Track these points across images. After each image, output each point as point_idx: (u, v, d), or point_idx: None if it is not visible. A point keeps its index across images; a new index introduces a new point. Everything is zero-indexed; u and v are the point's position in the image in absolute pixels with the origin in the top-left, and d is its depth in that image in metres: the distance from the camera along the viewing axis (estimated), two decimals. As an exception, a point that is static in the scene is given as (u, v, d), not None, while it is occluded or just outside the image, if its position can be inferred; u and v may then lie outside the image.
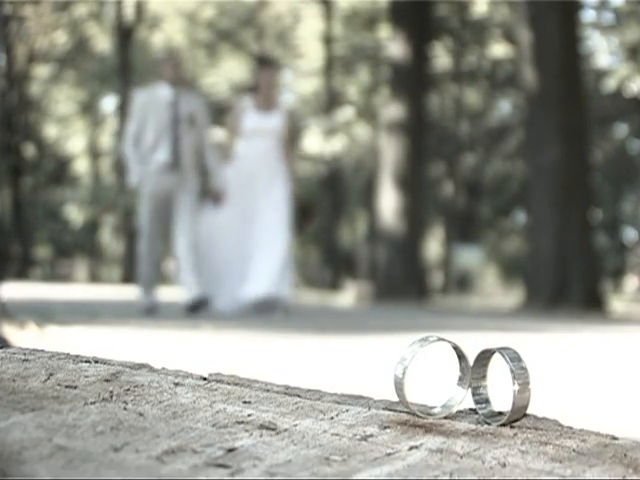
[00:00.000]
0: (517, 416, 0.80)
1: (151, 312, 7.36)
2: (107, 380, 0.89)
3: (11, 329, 3.82)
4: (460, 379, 0.84)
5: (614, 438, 0.77)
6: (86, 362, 0.96)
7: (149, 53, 34.10)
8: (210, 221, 8.11)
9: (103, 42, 33.47)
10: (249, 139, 7.99)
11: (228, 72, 32.30)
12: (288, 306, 7.72)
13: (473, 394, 0.84)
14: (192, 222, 7.77)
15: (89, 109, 35.44)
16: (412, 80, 15.44)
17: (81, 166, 36.62)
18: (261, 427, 0.77)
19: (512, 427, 0.79)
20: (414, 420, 0.81)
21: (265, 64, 8.40)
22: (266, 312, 7.50)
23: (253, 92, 8.12)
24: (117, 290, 16.85)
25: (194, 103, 7.84)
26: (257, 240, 7.92)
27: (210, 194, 8.14)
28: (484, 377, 0.84)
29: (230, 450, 0.70)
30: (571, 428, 0.80)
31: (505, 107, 33.15)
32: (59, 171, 35.67)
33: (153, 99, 7.66)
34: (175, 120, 7.56)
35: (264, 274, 7.70)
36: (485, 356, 0.83)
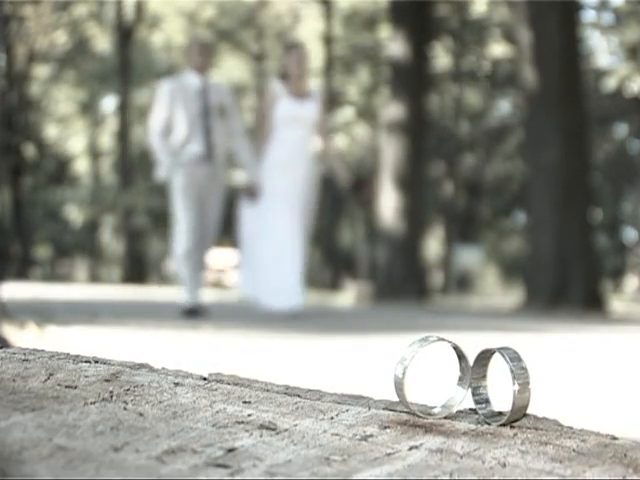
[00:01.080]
0: (517, 416, 0.80)
1: (194, 314, 6.84)
2: (107, 380, 0.89)
3: (11, 329, 3.82)
4: (460, 379, 0.84)
5: (614, 438, 0.77)
6: (86, 362, 0.96)
7: (149, 53, 34.13)
8: (250, 217, 7.63)
9: (103, 42, 33.48)
10: (283, 128, 7.47)
11: (228, 72, 32.28)
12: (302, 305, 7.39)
13: (473, 394, 0.84)
14: (216, 221, 7.34)
15: (89, 109, 35.45)
16: (412, 80, 15.44)
17: (81, 166, 36.64)
18: (261, 427, 0.77)
19: (512, 427, 0.79)
20: (414, 420, 0.81)
21: (292, 48, 7.86)
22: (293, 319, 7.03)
23: (284, 79, 7.58)
24: (117, 290, 16.85)
25: (222, 92, 7.43)
26: (289, 238, 7.46)
27: (245, 189, 7.68)
28: (484, 377, 0.84)
29: (230, 450, 0.70)
30: (571, 428, 0.80)
31: (505, 107, 33.16)
32: (59, 171, 35.68)
33: (182, 88, 7.16)
34: (206, 110, 7.11)
35: (295, 283, 7.29)
36: (485, 356, 0.83)
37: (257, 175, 7.46)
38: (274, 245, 7.42)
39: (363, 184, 9.92)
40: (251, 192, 7.52)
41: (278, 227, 7.46)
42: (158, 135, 7.16)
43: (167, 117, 7.11)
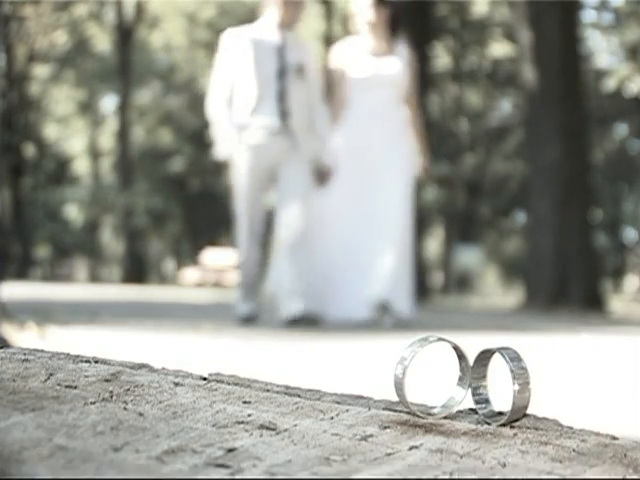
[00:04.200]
0: (517, 416, 0.80)
1: (250, 321, 5.90)
2: (107, 380, 0.89)
3: (11, 329, 3.82)
4: (460, 379, 0.84)
5: (614, 438, 0.77)
6: (86, 362, 0.96)
7: (149, 53, 34.13)
8: (317, 206, 6.30)
9: (103, 42, 33.50)
10: (360, 92, 6.21)
11: (228, 72, 32.25)
12: (405, 318, 6.02)
13: (473, 394, 0.84)
14: (303, 207, 5.95)
15: (89, 109, 35.47)
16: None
17: (81, 166, 36.66)
18: (261, 427, 0.77)
19: (512, 427, 0.79)
20: (414, 420, 0.81)
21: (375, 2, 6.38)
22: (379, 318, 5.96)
23: (363, 35, 6.36)
24: (117, 290, 16.85)
25: (302, 49, 6.10)
26: (376, 229, 6.14)
27: (316, 170, 6.20)
28: (484, 377, 0.84)
29: (230, 450, 0.70)
30: (571, 428, 0.80)
31: (505, 107, 33.17)
32: (59, 171, 35.71)
33: (254, 43, 5.89)
34: (282, 71, 5.85)
35: (378, 275, 6.05)
36: (485, 356, 0.83)
37: (331, 153, 6.17)
38: (335, 243, 6.24)
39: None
40: (322, 174, 6.19)
41: (341, 220, 6.25)
42: (220, 102, 5.92)
43: (232, 80, 5.89)
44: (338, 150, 6.18)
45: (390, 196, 6.16)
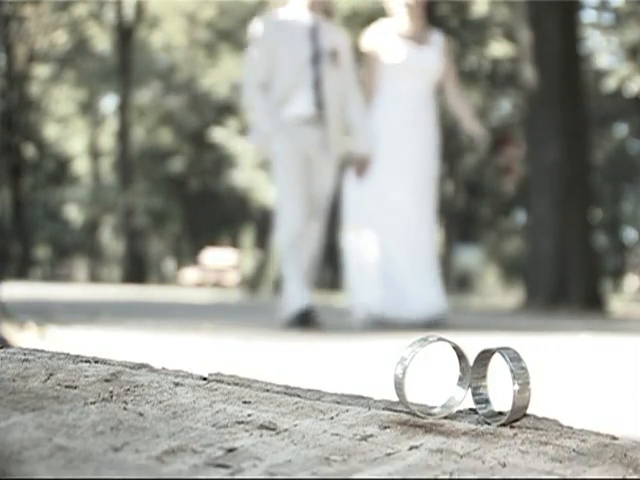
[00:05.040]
0: (517, 416, 0.80)
1: (305, 320, 5.40)
2: (107, 380, 0.89)
3: (11, 329, 3.82)
4: (460, 379, 0.84)
5: (614, 438, 0.77)
6: (86, 362, 0.96)
7: (149, 53, 34.13)
8: (355, 200, 5.99)
9: (103, 42, 33.50)
10: (394, 81, 5.91)
11: (228, 72, 32.27)
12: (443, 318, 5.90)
13: (473, 394, 0.84)
14: (326, 202, 5.77)
15: (89, 109, 35.47)
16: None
17: (81, 166, 36.65)
18: (261, 427, 0.77)
19: (512, 427, 0.79)
20: (414, 420, 0.81)
21: None
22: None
23: (395, 20, 6.06)
24: (117, 290, 16.85)
25: (336, 34, 5.80)
26: (414, 226, 5.92)
27: (353, 162, 5.96)
28: (484, 377, 0.84)
29: (230, 450, 0.70)
30: (571, 428, 0.80)
31: (505, 107, 33.15)
32: (59, 171, 35.72)
33: (286, 27, 5.60)
34: (316, 56, 5.55)
35: (430, 283, 5.89)
36: (485, 356, 0.83)
37: (369, 143, 5.84)
38: (391, 236, 5.90)
39: (505, 141, 7.58)
40: (361, 165, 5.87)
41: (396, 212, 5.91)
42: (254, 89, 5.61)
43: (267, 65, 5.56)
44: (374, 139, 5.86)
45: (423, 197, 5.98)
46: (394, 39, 5.96)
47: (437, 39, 6.13)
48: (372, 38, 6.08)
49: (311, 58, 5.55)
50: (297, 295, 5.51)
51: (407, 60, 5.91)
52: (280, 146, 5.56)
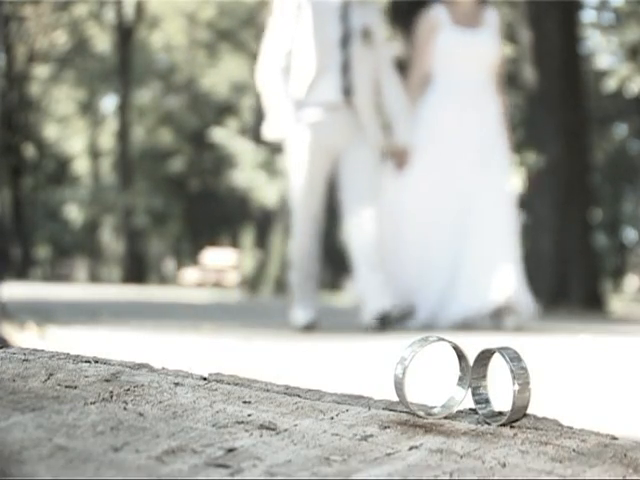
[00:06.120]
0: (517, 416, 0.80)
1: (310, 329, 5.13)
2: (107, 380, 0.89)
3: (11, 329, 3.82)
4: (460, 379, 0.84)
5: (614, 438, 0.77)
6: (86, 362, 0.96)
7: (149, 53, 34.13)
8: (393, 196, 5.48)
9: (103, 42, 33.49)
10: (446, 68, 5.44)
11: (228, 72, 32.27)
12: (525, 315, 5.57)
13: (473, 394, 0.84)
14: (372, 197, 5.12)
15: (89, 109, 35.47)
16: (412, 80, 15.44)
17: (81, 166, 36.64)
18: (261, 427, 0.77)
19: (512, 427, 0.79)
20: (414, 420, 0.81)
21: None
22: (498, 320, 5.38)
23: (447, 3, 5.55)
24: (117, 290, 16.85)
25: (369, 10, 5.12)
26: (470, 225, 5.41)
27: (390, 153, 5.42)
28: (484, 377, 0.84)
29: (230, 450, 0.70)
30: (571, 428, 0.80)
31: (505, 107, 33.12)
32: (59, 171, 35.72)
33: (313, 4, 4.99)
34: (346, 37, 4.95)
35: (495, 278, 5.35)
36: (485, 356, 0.83)
37: (410, 132, 5.30)
38: (414, 238, 5.46)
39: None
40: (400, 158, 5.37)
41: (423, 212, 5.45)
42: (274, 72, 5.03)
43: (289, 47, 5.01)
44: (418, 130, 5.38)
45: (492, 188, 5.43)
46: (446, 23, 5.47)
47: (492, 18, 5.61)
48: (423, 23, 5.63)
49: (340, 39, 4.95)
50: (299, 311, 5.20)
51: (460, 45, 5.43)
52: (302, 137, 4.99)
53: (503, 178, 5.56)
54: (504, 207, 5.50)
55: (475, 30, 5.51)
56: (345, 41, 4.94)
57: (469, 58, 5.44)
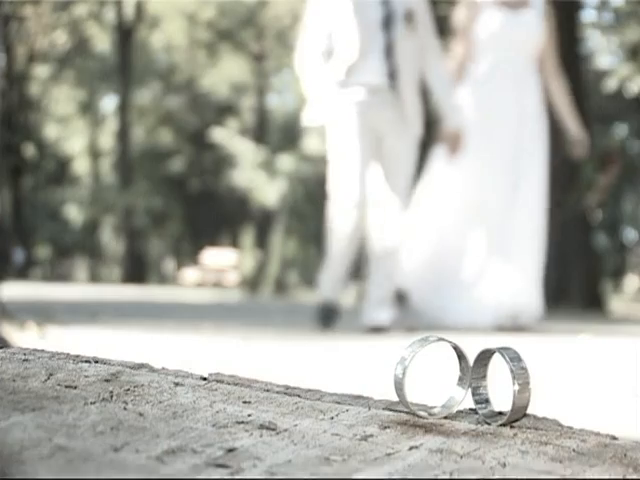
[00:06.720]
0: (517, 416, 0.80)
1: (329, 317, 5.06)
2: (107, 380, 0.89)
3: (11, 329, 3.82)
4: (460, 379, 0.84)
5: (614, 438, 0.77)
6: (86, 362, 0.96)
7: (149, 53, 34.14)
8: (441, 183, 5.31)
9: (103, 42, 33.50)
10: (490, 51, 5.26)
11: (228, 72, 32.27)
12: (532, 322, 5.54)
13: (473, 394, 0.84)
14: (402, 193, 4.95)
15: (89, 109, 35.47)
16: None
17: (81, 166, 36.64)
18: (261, 427, 0.77)
19: (512, 427, 0.79)
20: (414, 420, 0.81)
21: None
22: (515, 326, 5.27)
23: None
24: (117, 290, 16.85)
25: None
26: (515, 224, 5.34)
27: (442, 138, 5.23)
28: (484, 377, 0.84)
29: (230, 450, 0.70)
30: (571, 428, 0.80)
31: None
32: (59, 171, 35.72)
33: None
34: (389, 19, 4.76)
35: (515, 281, 5.34)
36: (485, 356, 0.83)
37: (458, 115, 5.09)
38: (464, 230, 5.30)
39: (612, 161, 6.46)
40: (453, 142, 5.14)
41: (473, 201, 5.27)
42: (314, 55, 4.85)
43: (329, 29, 4.82)
44: (466, 115, 5.18)
45: (530, 183, 5.33)
46: (490, 3, 5.25)
47: (537, 3, 5.40)
48: (464, 7, 5.43)
49: (382, 21, 4.76)
50: (327, 288, 5.05)
51: (502, 29, 5.21)
52: (344, 123, 4.77)
53: (542, 177, 5.48)
54: (540, 213, 5.43)
55: (520, 11, 5.28)
56: (387, 23, 4.76)
57: (513, 40, 5.23)
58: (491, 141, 5.29)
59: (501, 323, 5.29)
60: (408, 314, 5.41)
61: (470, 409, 0.85)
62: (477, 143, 5.24)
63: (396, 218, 4.95)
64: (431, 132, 6.20)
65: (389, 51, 4.75)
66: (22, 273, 26.26)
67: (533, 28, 5.32)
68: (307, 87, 4.97)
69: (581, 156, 6.13)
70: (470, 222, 5.33)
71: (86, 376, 0.90)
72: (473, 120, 5.22)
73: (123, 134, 31.09)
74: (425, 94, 5.23)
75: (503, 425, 0.80)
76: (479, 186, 5.31)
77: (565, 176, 11.57)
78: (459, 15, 5.50)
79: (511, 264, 5.33)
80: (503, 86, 5.29)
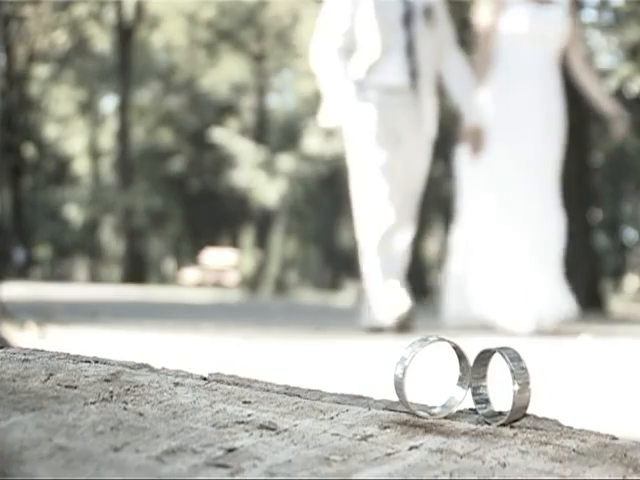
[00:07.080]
0: (517, 416, 0.80)
1: (405, 326, 4.79)
2: (107, 380, 0.89)
3: (11, 329, 3.82)
4: (460, 379, 0.84)
5: (614, 438, 0.77)
6: (86, 362, 0.96)
7: (149, 53, 34.14)
8: (469, 185, 5.26)
9: (103, 42, 33.50)
10: (515, 48, 5.12)
11: (228, 72, 32.27)
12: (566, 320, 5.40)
13: (473, 394, 0.84)
14: (415, 197, 4.93)
15: (89, 109, 35.47)
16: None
17: (81, 166, 36.64)
18: (261, 427, 0.77)
19: (512, 427, 0.79)
20: (414, 420, 0.81)
21: None
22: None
23: None
24: (117, 290, 16.85)
25: None
26: (546, 220, 5.17)
27: (464, 136, 5.13)
28: (484, 377, 0.84)
29: (230, 450, 0.70)
30: (571, 428, 0.80)
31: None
32: (59, 171, 35.72)
33: None
34: (409, 15, 4.66)
35: (540, 287, 5.14)
36: (485, 356, 0.83)
37: (478, 111, 5.00)
38: (489, 230, 5.20)
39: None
40: (476, 139, 5.05)
41: (498, 200, 5.14)
42: (332, 53, 4.71)
43: (349, 27, 4.68)
44: (488, 112, 5.11)
45: (548, 183, 5.20)
46: (513, 2, 5.14)
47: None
48: (488, 3, 5.32)
49: (403, 18, 4.64)
50: (385, 304, 4.78)
51: (527, 25, 5.10)
52: (365, 119, 4.63)
53: (554, 177, 5.31)
54: (555, 213, 5.31)
55: (545, 7, 5.18)
56: (408, 20, 4.66)
57: (535, 39, 5.13)
58: (518, 142, 5.19)
59: (543, 327, 5.23)
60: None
61: (470, 409, 0.85)
62: (504, 143, 5.16)
63: (409, 218, 4.88)
64: (449, 133, 6.10)
65: (410, 49, 4.65)
66: (22, 273, 26.26)
67: (559, 24, 5.20)
68: (324, 86, 4.84)
69: (623, 133, 5.80)
70: (510, 226, 5.21)
71: (86, 376, 0.90)
72: (498, 120, 5.15)
73: (123, 134, 31.09)
74: (442, 94, 5.18)
75: (503, 425, 0.80)
76: (512, 191, 5.21)
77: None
78: (482, 11, 5.38)
79: (550, 269, 5.27)
80: (529, 84, 5.18)
